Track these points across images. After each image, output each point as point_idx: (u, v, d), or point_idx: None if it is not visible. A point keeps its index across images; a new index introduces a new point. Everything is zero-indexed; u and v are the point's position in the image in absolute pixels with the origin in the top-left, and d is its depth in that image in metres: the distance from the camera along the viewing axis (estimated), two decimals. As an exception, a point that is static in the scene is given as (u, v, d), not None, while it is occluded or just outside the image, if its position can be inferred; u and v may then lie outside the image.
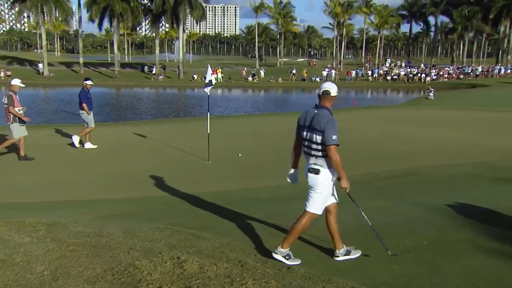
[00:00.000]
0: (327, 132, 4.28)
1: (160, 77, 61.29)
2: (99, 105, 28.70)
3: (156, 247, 4.48)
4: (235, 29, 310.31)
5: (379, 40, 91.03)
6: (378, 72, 63.31)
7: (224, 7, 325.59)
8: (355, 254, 4.66)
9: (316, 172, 4.39)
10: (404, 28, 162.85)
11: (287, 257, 4.44)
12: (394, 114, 23.20)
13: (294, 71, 63.01)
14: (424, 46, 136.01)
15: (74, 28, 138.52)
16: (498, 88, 43.80)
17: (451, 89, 48.42)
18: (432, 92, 36.17)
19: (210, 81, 11.53)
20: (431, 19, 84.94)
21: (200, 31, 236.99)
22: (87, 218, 6.10)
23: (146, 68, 67.66)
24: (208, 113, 12.13)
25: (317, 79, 61.04)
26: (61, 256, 4.17)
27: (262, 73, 62.21)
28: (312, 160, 4.41)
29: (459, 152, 12.27)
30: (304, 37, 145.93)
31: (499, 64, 69.22)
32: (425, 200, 6.92)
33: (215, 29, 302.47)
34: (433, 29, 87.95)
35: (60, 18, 65.37)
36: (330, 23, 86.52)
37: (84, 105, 12.36)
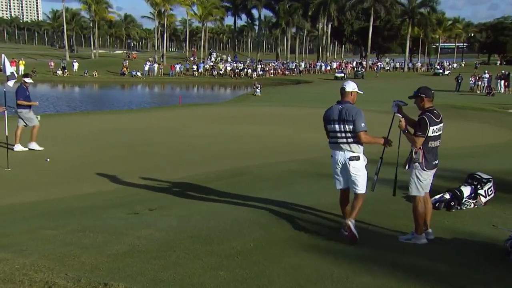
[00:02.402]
0: (357, 121, 5.52)
1: None
2: None
3: None
4: (37, 14, 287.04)
5: (203, 32, 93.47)
6: (203, 66, 65.04)
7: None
8: None
9: (357, 158, 5.63)
10: (229, 20, 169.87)
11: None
12: (221, 111, 24.11)
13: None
14: (249, 40, 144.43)
15: None
16: (320, 85, 48.71)
17: (277, 85, 52.30)
18: (259, 88, 38.51)
19: (12, 73, 11.20)
20: (255, 12, 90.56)
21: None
22: None
23: None
24: (5, 111, 11.18)
25: (138, 73, 60.15)
26: None
27: (75, 66, 58.75)
28: (348, 148, 5.63)
29: (285, 149, 13.25)
30: (121, 27, 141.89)
31: (320, 60, 77.17)
32: (251, 201, 7.33)
33: (10, 11, 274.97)
34: (257, 22, 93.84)
35: None
36: (150, 12, 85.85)
37: (22, 102, 12.56)
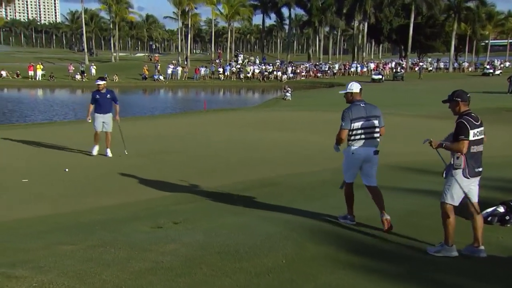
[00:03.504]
0: (381, 117, 6.66)
1: (-47, 73, 55.31)
2: None
3: None
4: (56, 16, 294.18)
5: (229, 33, 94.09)
6: (230, 69, 65.46)
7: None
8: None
9: (378, 152, 6.60)
10: (257, 20, 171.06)
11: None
12: (248, 117, 24.18)
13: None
14: (279, 41, 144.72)
15: None
16: (355, 87, 48.31)
17: (309, 89, 52.25)
18: (289, 92, 38.52)
19: None
20: (285, 11, 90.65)
21: (6, 16, 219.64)
22: None
23: None
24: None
25: (160, 77, 60.90)
26: None
27: (93, 70, 59.86)
28: (375, 143, 6.58)
29: (317, 157, 13.15)
30: (143, 28, 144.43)
31: (355, 62, 76.70)
32: (282, 213, 7.31)
33: (27, 13, 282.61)
34: (287, 22, 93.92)
35: None
36: (173, 12, 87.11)
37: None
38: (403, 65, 72.49)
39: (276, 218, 7.08)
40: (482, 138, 5.45)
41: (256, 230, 6.42)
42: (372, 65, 71.93)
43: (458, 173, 5.41)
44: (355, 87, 6.69)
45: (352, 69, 69.73)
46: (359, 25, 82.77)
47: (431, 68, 75.21)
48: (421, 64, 74.35)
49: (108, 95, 13.38)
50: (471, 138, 5.32)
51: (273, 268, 5.06)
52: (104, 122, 13.22)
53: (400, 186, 9.14)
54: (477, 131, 5.38)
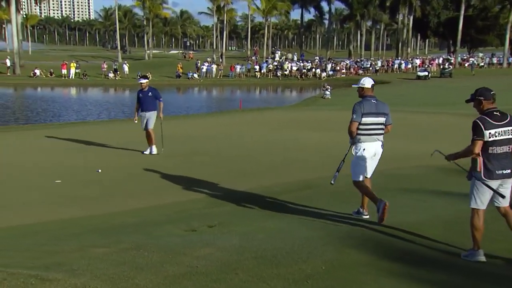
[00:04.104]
0: (389, 115, 7.22)
1: (-13, 72, 57.14)
2: None
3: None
4: (89, 13, 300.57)
5: (266, 28, 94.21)
6: (266, 66, 65.56)
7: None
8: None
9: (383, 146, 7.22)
10: (295, 15, 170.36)
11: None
12: (285, 116, 24.16)
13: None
14: (318, 36, 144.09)
15: None
16: (399, 85, 47.75)
17: (349, 87, 51.53)
18: (329, 90, 38.33)
19: None
20: (325, 5, 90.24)
21: (41, 13, 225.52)
22: None
23: (-36, 60, 62.60)
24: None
25: (195, 75, 61.44)
26: None
27: (126, 68, 60.83)
28: (380, 138, 7.15)
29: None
30: (177, 24, 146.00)
31: (399, 58, 75.66)
32: (322, 218, 7.27)
33: (61, 11, 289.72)
34: (327, 16, 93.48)
35: None
36: (208, 8, 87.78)
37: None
38: (452, 61, 70.98)
39: (314, 222, 7.06)
40: (507, 138, 5.35)
41: (294, 234, 6.42)
42: (417, 61, 70.63)
43: (477, 176, 5.43)
44: (367, 82, 7.23)
45: (396, 66, 68.81)
46: (403, 18, 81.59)
47: (482, 64, 73.32)
48: (471, 59, 72.58)
49: (150, 93, 13.82)
50: (486, 138, 5.29)
51: (312, 274, 5.03)
52: (147, 119, 13.68)
53: (451, 191, 8.97)
54: (496, 132, 5.31)
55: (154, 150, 13.65)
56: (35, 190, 10.00)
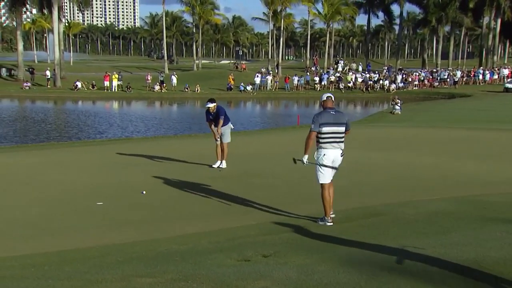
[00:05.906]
0: (348, 122, 9.17)
1: (27, 84, 59.44)
2: None
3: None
4: (134, 20, 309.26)
5: (328, 36, 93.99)
6: (328, 78, 65.38)
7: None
8: None
9: (343, 154, 9.16)
10: (361, 20, 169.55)
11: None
12: (349, 134, 23.92)
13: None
14: (386, 43, 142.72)
15: None
16: (482, 99, 46.70)
17: (423, 100, 50.97)
18: (399, 104, 37.80)
19: None
20: (395, 8, 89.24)
21: (84, 21, 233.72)
22: None
23: (4, 71, 65.31)
24: None
25: (248, 88, 61.94)
26: None
27: (174, 80, 61.99)
28: (341, 146, 9.06)
29: (433, 183, 12.82)
30: (229, 31, 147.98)
31: (484, 67, 73.86)
32: (390, 250, 7.14)
33: (105, 19, 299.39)
34: (398, 21, 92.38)
35: None
36: (263, 13, 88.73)
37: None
38: (547, 71, 68.64)
39: (382, 255, 6.93)
40: None
41: (361, 267, 6.33)
42: (505, 72, 68.80)
43: None
44: (324, 96, 9.24)
45: (479, 77, 67.14)
46: (489, 22, 79.57)
47: None
48: None
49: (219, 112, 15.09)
50: None
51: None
52: (222, 134, 14.96)
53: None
54: None
55: (224, 165, 14.87)
56: (74, 213, 10.31)
